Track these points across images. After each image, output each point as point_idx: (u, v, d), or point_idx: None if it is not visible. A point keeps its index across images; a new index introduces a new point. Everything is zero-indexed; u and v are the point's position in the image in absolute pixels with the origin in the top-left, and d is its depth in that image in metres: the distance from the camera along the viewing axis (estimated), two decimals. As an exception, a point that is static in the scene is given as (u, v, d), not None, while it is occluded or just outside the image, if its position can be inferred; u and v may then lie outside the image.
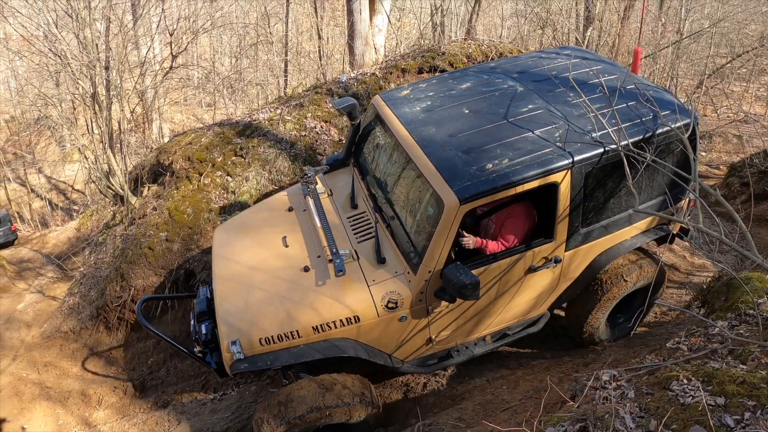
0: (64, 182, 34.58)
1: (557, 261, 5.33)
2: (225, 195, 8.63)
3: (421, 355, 5.58)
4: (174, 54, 14.26)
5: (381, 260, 5.18)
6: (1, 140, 40.30)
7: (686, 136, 5.06)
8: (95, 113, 11.08)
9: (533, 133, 5.11)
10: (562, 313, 6.60)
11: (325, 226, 5.53)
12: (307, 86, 11.08)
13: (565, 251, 5.36)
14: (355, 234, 5.56)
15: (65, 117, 14.67)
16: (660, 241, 6.16)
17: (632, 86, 5.58)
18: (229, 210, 8.32)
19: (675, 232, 6.01)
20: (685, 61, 22.69)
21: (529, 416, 4.32)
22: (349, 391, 5.01)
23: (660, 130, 5.15)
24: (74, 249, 15.54)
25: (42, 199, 32.88)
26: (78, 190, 32.10)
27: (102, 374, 8.58)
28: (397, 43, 14.83)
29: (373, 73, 9.80)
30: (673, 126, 5.14)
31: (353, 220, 5.73)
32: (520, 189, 4.78)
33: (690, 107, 5.58)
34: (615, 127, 5.06)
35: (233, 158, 8.86)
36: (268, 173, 8.68)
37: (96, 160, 11.64)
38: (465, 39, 11.43)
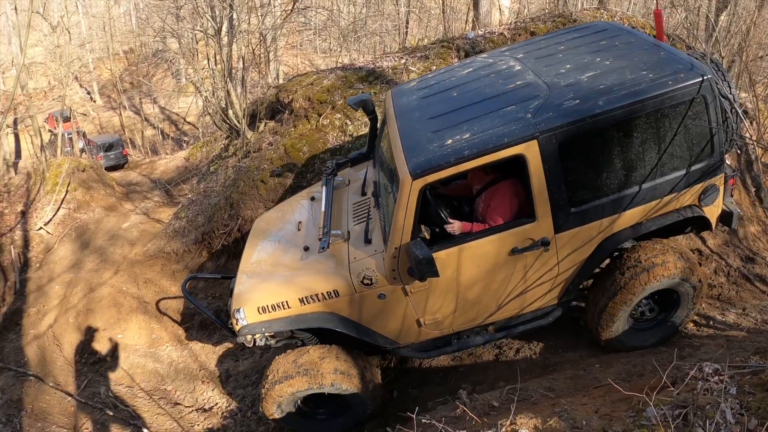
0: (177, 114, 35.81)
1: (545, 243, 4.99)
2: (342, 137, 8.70)
3: (419, 339, 5.63)
4: (296, -4, 14.34)
5: (368, 240, 5.38)
6: (120, 70, 42.03)
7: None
8: (220, 47, 11.33)
9: (508, 107, 4.94)
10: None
11: (327, 211, 5.89)
12: (433, 39, 10.97)
13: (555, 233, 5.00)
14: (354, 218, 5.83)
15: (187, 50, 15.03)
16: (700, 229, 5.66)
17: (644, 50, 5.18)
18: (345, 152, 8.34)
19: (709, 217, 5.33)
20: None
21: (625, 396, 4.23)
22: (340, 365, 5.43)
23: (656, 92, 4.65)
24: (182, 177, 16.07)
25: (154, 127, 34.20)
26: (189, 123, 33.18)
27: (199, 297, 8.88)
28: (519, 8, 14.43)
29: (502, 33, 9.57)
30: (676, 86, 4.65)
31: (357, 206, 6.00)
32: (478, 162, 4.70)
33: (707, 63, 5.05)
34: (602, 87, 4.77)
35: (355, 102, 8.85)
36: (387, 121, 8.64)
37: (214, 93, 11.93)
38: (597, 8, 11.04)
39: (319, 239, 5.61)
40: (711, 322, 6.31)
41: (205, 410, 6.90)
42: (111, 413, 6.78)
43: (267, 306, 5.36)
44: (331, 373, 5.33)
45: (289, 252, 5.87)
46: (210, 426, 6.64)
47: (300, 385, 5.37)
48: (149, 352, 7.91)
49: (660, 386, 4.07)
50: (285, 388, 5.42)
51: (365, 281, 5.16)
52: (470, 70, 5.93)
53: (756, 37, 17.30)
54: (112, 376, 7.55)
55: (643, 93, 4.65)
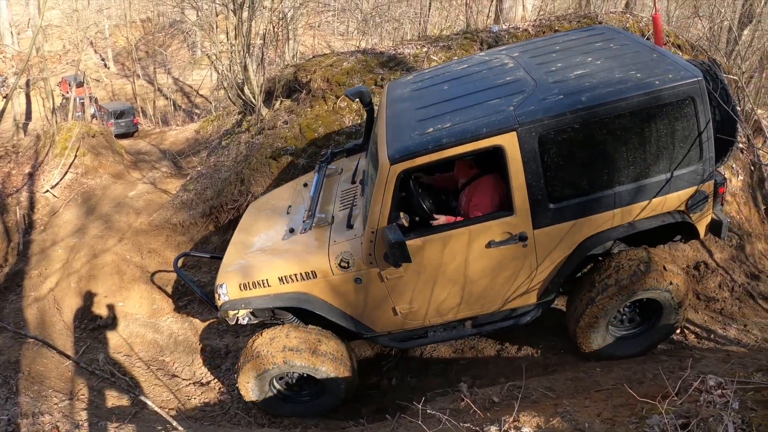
0: (190, 86, 35.75)
1: (523, 239, 4.97)
2: (358, 120, 8.66)
3: (395, 328, 5.69)
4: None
5: (349, 225, 5.49)
6: (136, 38, 41.92)
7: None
8: (240, 21, 11.24)
9: (493, 100, 4.99)
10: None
11: (314, 196, 6.15)
12: (455, 30, 10.91)
13: (534, 229, 4.97)
14: (341, 203, 5.99)
15: (207, 22, 14.91)
16: (689, 237, 5.52)
17: (636, 52, 5.18)
18: (360, 136, 8.28)
19: (696, 225, 5.21)
20: None
21: (627, 402, 4.21)
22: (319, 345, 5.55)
23: (641, 91, 4.61)
24: (192, 149, 15.99)
25: (166, 98, 34.12)
26: (202, 96, 33.10)
27: (203, 271, 8.84)
28: (542, 5, 14.31)
29: (526, 29, 9.53)
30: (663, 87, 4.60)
31: (345, 193, 6.16)
32: (455, 151, 4.77)
33: (703, 65, 5.06)
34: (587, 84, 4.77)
35: (373, 87, 8.80)
36: (405, 107, 8.62)
37: (230, 68, 11.85)
38: (624, 12, 10.97)
39: (303, 221, 5.80)
40: (712, 336, 6.30)
41: (202, 384, 6.88)
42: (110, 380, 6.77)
43: (248, 283, 5.50)
44: (281, 351, 5.42)
45: (275, 233, 6.05)
46: (206, 400, 6.62)
47: (257, 368, 5.51)
48: (149, 322, 7.88)
49: (666, 395, 4.06)
50: (247, 373, 5.59)
51: (342, 264, 5.25)
52: (465, 66, 6.03)
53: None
54: (111, 343, 7.50)
55: (628, 91, 4.64)
